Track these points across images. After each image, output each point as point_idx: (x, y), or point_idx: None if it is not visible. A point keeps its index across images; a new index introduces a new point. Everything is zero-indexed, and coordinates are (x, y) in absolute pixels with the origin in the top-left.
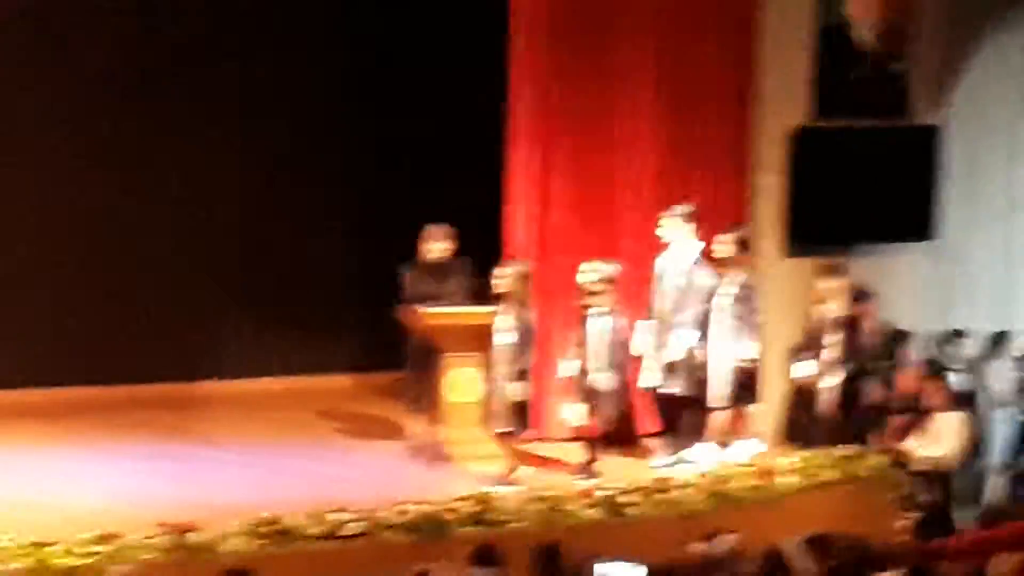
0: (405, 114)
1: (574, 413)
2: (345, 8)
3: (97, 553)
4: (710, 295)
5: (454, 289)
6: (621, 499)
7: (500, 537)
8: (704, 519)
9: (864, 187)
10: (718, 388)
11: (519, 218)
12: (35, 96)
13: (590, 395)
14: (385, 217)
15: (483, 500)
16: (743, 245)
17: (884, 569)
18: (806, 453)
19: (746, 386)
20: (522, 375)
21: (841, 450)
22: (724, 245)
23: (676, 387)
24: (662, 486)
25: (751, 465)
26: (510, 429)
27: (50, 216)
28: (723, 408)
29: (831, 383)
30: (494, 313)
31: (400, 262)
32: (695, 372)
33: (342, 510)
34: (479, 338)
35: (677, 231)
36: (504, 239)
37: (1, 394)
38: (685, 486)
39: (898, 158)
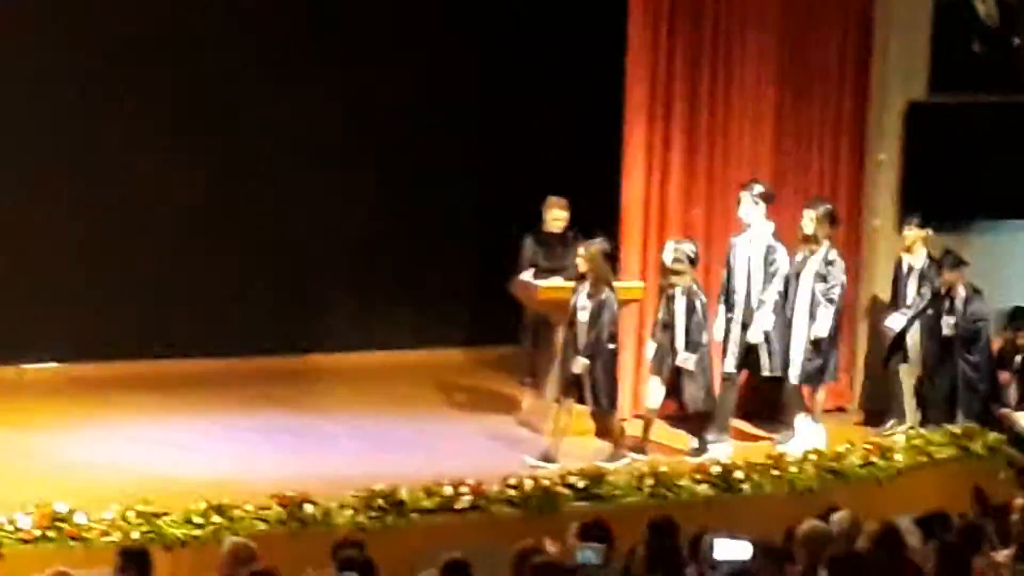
0: (521, 90)
1: (653, 393)
2: None
3: (212, 524)
4: (787, 276)
5: (571, 263)
6: (735, 475)
7: (611, 513)
8: (817, 496)
9: (982, 163)
10: (797, 364)
11: (634, 194)
12: (148, 78)
13: (675, 374)
14: (497, 191)
15: (594, 475)
16: (827, 220)
17: (998, 547)
18: (920, 430)
19: (824, 362)
20: (588, 349)
21: (955, 427)
22: (808, 221)
23: (760, 370)
24: (776, 462)
25: (868, 443)
26: (572, 400)
27: (163, 194)
28: (802, 384)
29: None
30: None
31: (510, 237)
32: (773, 354)
33: (454, 483)
34: None
35: (752, 211)
36: (620, 215)
37: (116, 365)
38: (799, 462)
39: (1017, 134)
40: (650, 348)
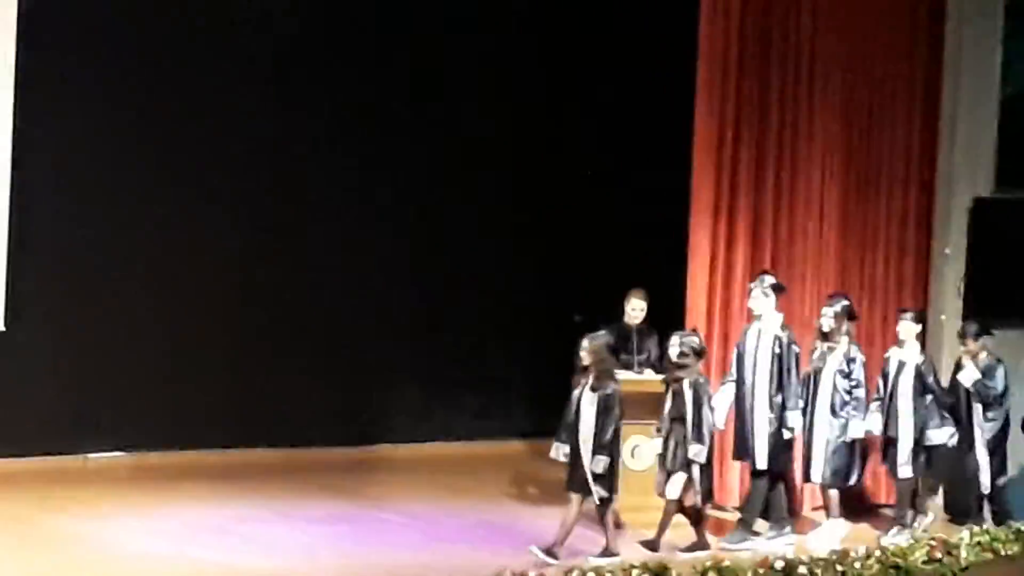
0: (588, 180)
1: (672, 485)
2: (549, 81)
3: None
4: (806, 373)
5: (647, 355)
6: (798, 571)
7: None
8: None
9: None
10: (820, 464)
11: (699, 288)
12: (200, 160)
13: (684, 467)
14: (561, 283)
15: (660, 567)
16: (845, 316)
17: None
18: (985, 527)
19: (851, 463)
20: (604, 448)
21: (1021, 523)
22: (826, 318)
23: (778, 464)
24: (839, 558)
25: (933, 539)
26: (594, 501)
27: (229, 287)
28: (826, 486)
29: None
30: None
31: (572, 328)
32: (788, 448)
33: (515, 575)
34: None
35: (762, 302)
36: (686, 306)
37: (179, 455)
38: (863, 558)
39: None
40: (656, 443)
